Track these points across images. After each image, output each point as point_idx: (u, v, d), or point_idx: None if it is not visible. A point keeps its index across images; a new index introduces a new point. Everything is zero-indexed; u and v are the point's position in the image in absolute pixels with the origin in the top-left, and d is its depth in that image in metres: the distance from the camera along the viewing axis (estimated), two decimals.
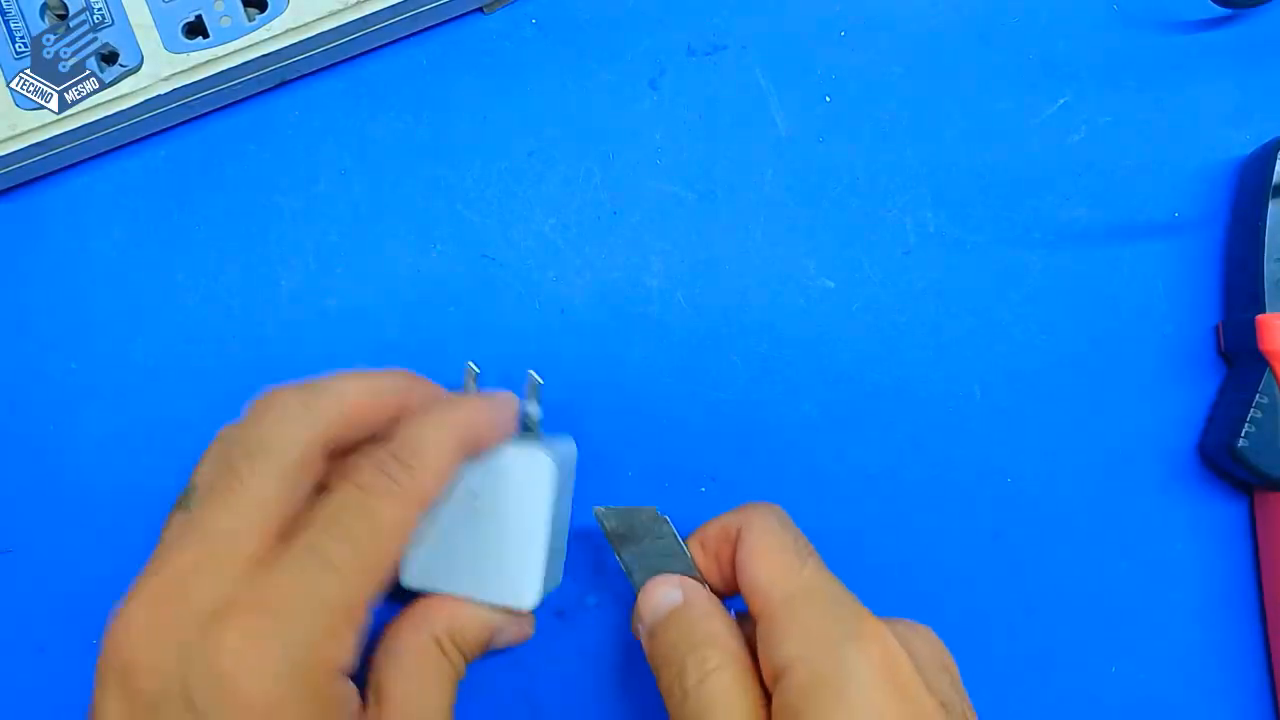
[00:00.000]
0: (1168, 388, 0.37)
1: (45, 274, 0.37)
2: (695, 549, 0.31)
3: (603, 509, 0.31)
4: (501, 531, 0.31)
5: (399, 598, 0.31)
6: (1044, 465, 0.37)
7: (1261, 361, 0.35)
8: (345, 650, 0.26)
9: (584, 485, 0.35)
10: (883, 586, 0.37)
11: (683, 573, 0.31)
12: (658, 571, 0.31)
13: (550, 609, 0.36)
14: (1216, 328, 0.37)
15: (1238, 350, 0.36)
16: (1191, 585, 0.37)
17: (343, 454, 0.29)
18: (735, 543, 0.30)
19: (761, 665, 0.28)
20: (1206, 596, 0.37)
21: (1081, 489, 0.37)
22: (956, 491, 0.37)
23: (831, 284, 0.37)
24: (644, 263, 0.37)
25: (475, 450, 0.30)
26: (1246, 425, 0.34)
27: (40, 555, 0.36)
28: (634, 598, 0.32)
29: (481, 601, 0.31)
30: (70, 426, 0.37)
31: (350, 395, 0.29)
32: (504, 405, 0.31)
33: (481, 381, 0.36)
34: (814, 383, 0.37)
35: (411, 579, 0.31)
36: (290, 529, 0.27)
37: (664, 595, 0.30)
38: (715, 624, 0.29)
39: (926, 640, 0.28)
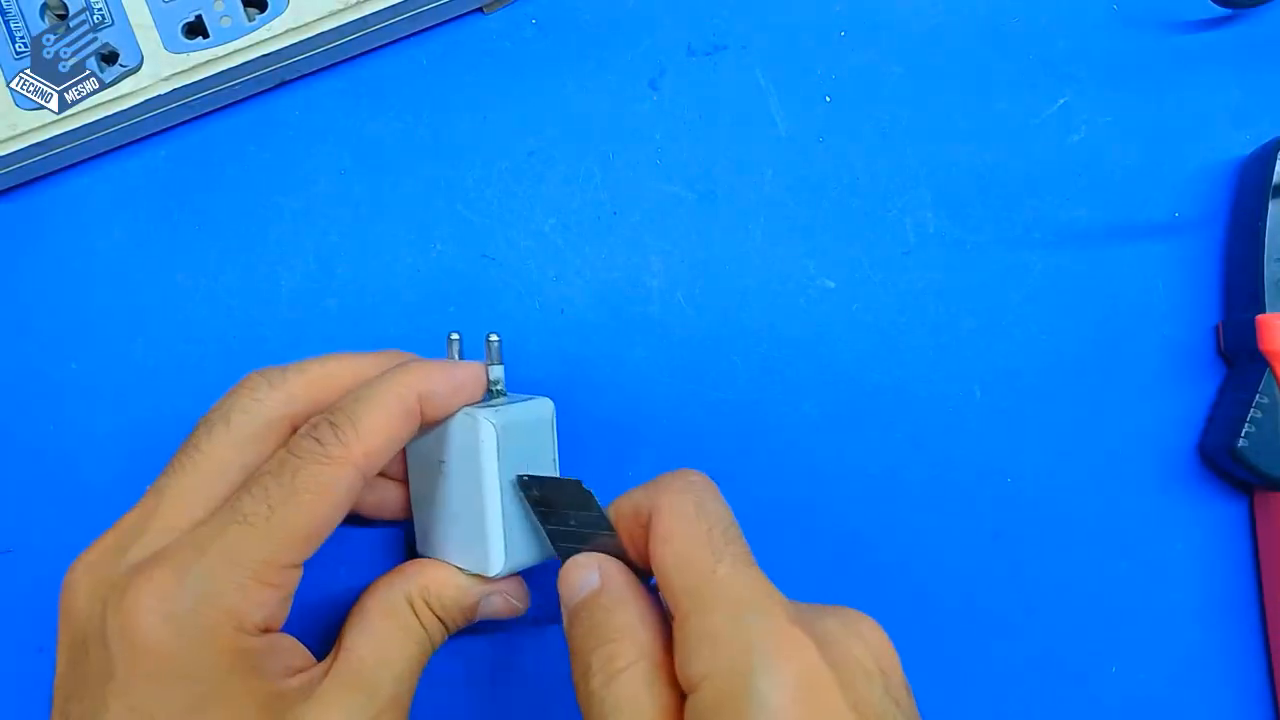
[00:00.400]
0: (1168, 388, 0.37)
1: (45, 274, 0.37)
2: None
3: (526, 477, 0.30)
4: (465, 498, 0.30)
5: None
6: (1044, 465, 0.37)
7: (1261, 361, 0.35)
8: (257, 606, 0.26)
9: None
10: (883, 586, 0.37)
11: (608, 551, 0.29)
12: (580, 548, 0.29)
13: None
14: (1216, 328, 0.37)
15: (1238, 350, 0.36)
16: (1191, 585, 0.37)
17: None
18: (647, 527, 0.27)
19: (678, 674, 0.25)
20: (1206, 596, 0.37)
21: (1081, 489, 0.37)
22: (956, 491, 0.37)
23: (831, 284, 0.37)
24: (644, 263, 0.37)
25: (430, 415, 0.29)
26: (1246, 425, 0.34)
27: (40, 555, 0.36)
28: None
29: (461, 568, 0.31)
30: (70, 426, 0.37)
31: (317, 371, 0.29)
32: (464, 369, 0.30)
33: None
34: (814, 383, 0.37)
35: (419, 546, 0.32)
36: None
37: (580, 579, 0.28)
38: (628, 615, 0.27)
39: (862, 639, 0.25)
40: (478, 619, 0.32)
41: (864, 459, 0.37)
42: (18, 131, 0.34)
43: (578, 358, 0.37)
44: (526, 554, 0.31)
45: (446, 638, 0.31)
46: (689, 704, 0.24)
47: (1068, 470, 0.37)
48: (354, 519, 0.33)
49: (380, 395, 0.28)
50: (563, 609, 0.29)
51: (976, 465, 0.37)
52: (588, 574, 0.28)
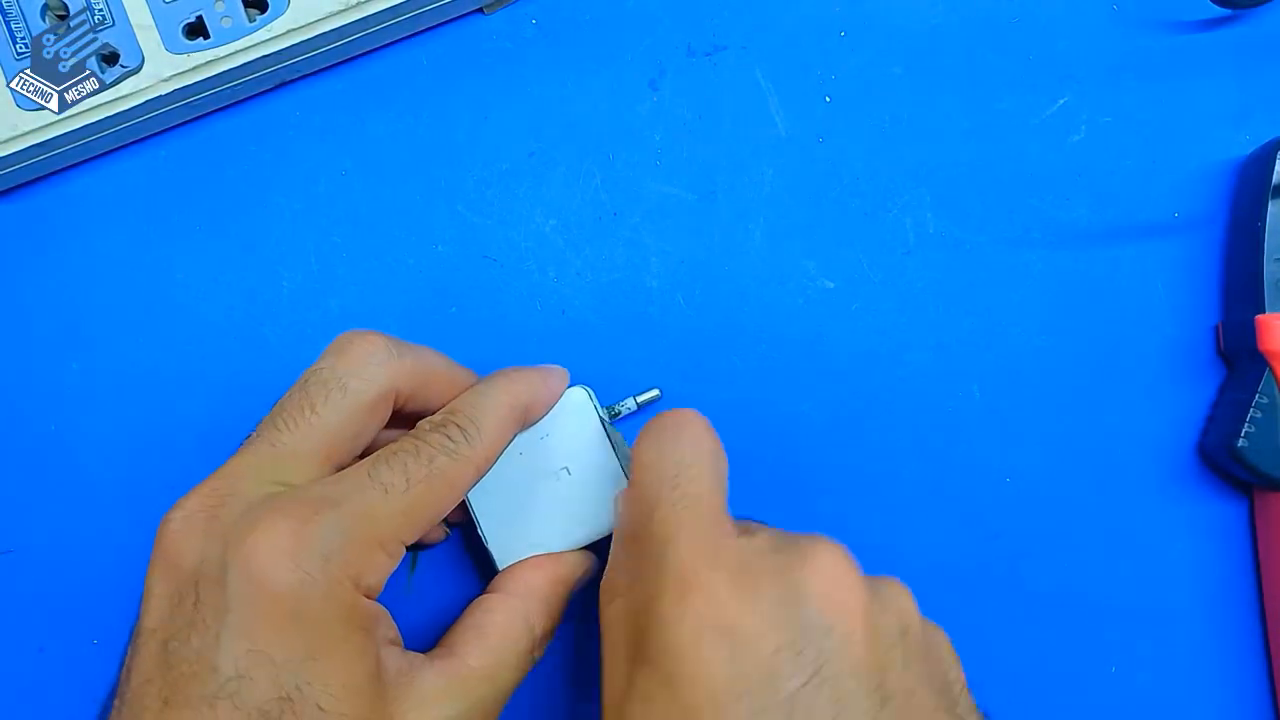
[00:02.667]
0: (1168, 388, 0.37)
1: (45, 274, 0.37)
2: None
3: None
4: (575, 469, 0.33)
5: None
6: (1043, 465, 0.37)
7: (1261, 361, 0.35)
8: (375, 571, 0.27)
9: None
10: None
11: None
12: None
13: None
14: (1216, 328, 0.37)
15: (1237, 350, 0.36)
16: (1191, 585, 0.37)
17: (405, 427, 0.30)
18: None
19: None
20: (1206, 596, 0.37)
21: (1081, 489, 0.37)
22: (956, 491, 0.37)
23: (831, 284, 0.37)
24: (644, 263, 0.37)
25: (529, 421, 0.32)
26: (1246, 425, 0.34)
27: (40, 555, 0.36)
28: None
29: (578, 545, 0.33)
30: (70, 426, 0.37)
31: (423, 357, 0.30)
32: (555, 377, 0.33)
33: None
34: (814, 383, 0.37)
35: (504, 559, 0.33)
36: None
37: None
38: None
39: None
40: None
41: (864, 459, 0.37)
42: (18, 132, 0.34)
43: (578, 358, 0.37)
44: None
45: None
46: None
47: (1067, 470, 0.37)
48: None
49: (497, 403, 0.30)
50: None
51: (976, 465, 0.37)
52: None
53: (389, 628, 0.28)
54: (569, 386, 0.34)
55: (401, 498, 0.27)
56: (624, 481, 0.33)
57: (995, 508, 0.37)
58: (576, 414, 0.33)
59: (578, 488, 0.33)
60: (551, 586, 0.32)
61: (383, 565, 0.27)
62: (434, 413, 0.30)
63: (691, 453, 0.28)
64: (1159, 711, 0.36)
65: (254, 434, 0.28)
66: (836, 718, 0.23)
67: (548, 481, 0.33)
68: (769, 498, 0.36)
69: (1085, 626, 0.37)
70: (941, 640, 0.28)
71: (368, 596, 0.27)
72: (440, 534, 0.35)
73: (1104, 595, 0.37)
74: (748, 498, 0.34)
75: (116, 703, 0.26)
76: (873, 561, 0.37)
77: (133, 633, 0.26)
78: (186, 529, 0.26)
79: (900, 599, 0.27)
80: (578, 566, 0.33)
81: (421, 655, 0.29)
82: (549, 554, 0.33)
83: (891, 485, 0.37)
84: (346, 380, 0.28)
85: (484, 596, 0.32)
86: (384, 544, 0.27)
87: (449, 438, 0.28)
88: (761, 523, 0.29)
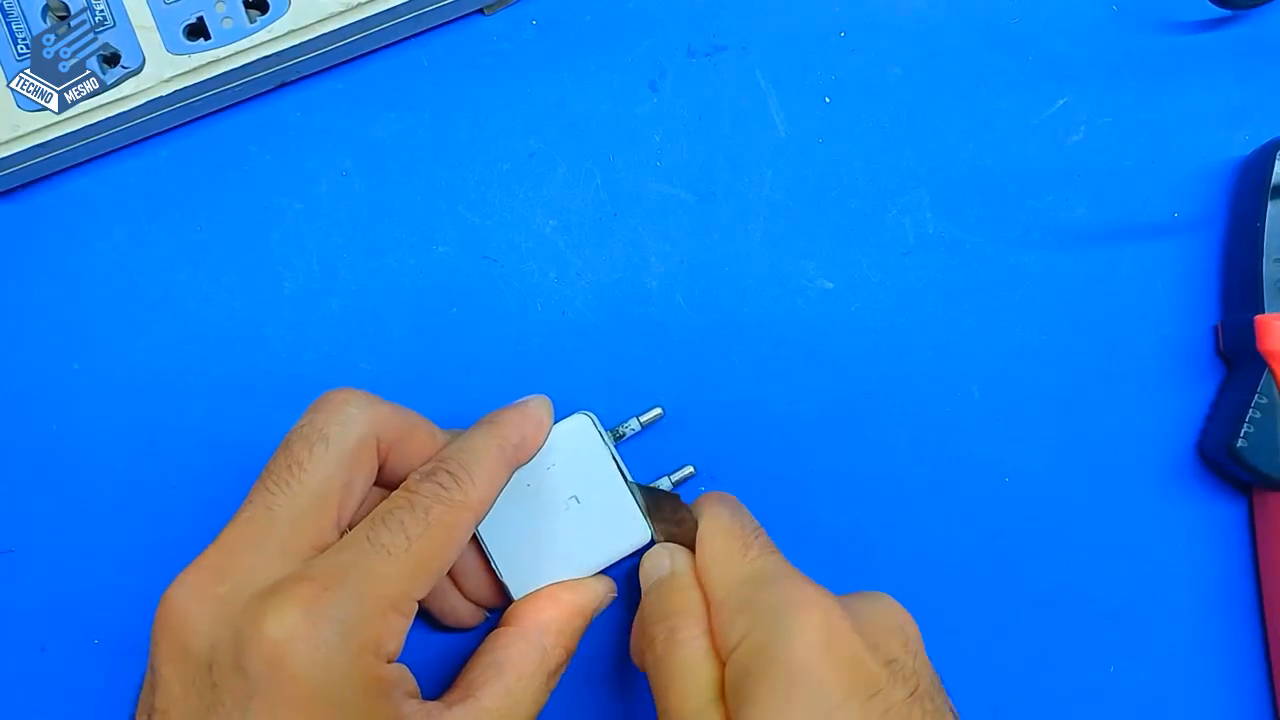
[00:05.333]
0: (1167, 388, 0.37)
1: (45, 274, 0.37)
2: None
3: (635, 486, 0.34)
4: (584, 495, 0.33)
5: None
6: (1043, 465, 0.37)
7: (1260, 361, 0.35)
8: (393, 635, 0.27)
9: None
10: (882, 586, 0.36)
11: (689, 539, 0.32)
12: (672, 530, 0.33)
13: None
14: (1215, 328, 0.37)
15: (1237, 350, 0.36)
16: (1191, 585, 0.37)
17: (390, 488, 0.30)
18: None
19: (718, 648, 0.29)
20: (1206, 596, 0.37)
21: (1081, 489, 0.37)
22: (956, 491, 0.37)
23: (831, 284, 0.37)
24: (644, 263, 0.37)
25: (523, 460, 0.32)
26: (1245, 425, 0.34)
27: (40, 555, 0.37)
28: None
29: (593, 571, 0.33)
30: (70, 426, 0.37)
31: (411, 413, 0.31)
32: (535, 412, 0.32)
33: (482, 386, 0.36)
34: (814, 383, 0.37)
35: (519, 590, 0.33)
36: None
37: (656, 565, 0.32)
38: (692, 596, 0.30)
39: (882, 604, 0.29)
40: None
41: (863, 459, 0.37)
42: (18, 132, 0.34)
43: (578, 358, 0.37)
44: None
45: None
46: (728, 668, 0.27)
47: (1067, 470, 0.37)
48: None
49: (485, 446, 0.30)
50: (642, 586, 0.32)
51: (975, 465, 0.37)
52: (661, 561, 0.32)
53: (408, 681, 0.28)
54: (576, 412, 0.34)
55: (405, 556, 0.27)
56: (633, 505, 0.33)
57: (994, 508, 0.37)
58: (581, 441, 0.34)
59: (588, 514, 0.33)
60: (568, 617, 0.32)
61: (398, 627, 0.27)
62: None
63: (752, 519, 0.32)
64: (1159, 711, 0.37)
65: (247, 500, 0.28)
66: None
67: (558, 510, 0.33)
68: (769, 498, 0.36)
69: (1085, 626, 0.37)
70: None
71: (388, 660, 0.27)
72: (478, 618, 0.35)
73: (1103, 595, 0.37)
74: (747, 498, 0.34)
75: None
76: (873, 561, 0.37)
77: (137, 711, 0.27)
78: (192, 610, 0.26)
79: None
80: (594, 593, 0.33)
81: (439, 704, 0.29)
82: (563, 583, 0.33)
83: (891, 485, 0.37)
84: (327, 430, 0.28)
85: (499, 631, 0.32)
86: (396, 605, 0.27)
87: (441, 485, 0.28)
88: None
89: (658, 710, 0.29)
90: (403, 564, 0.27)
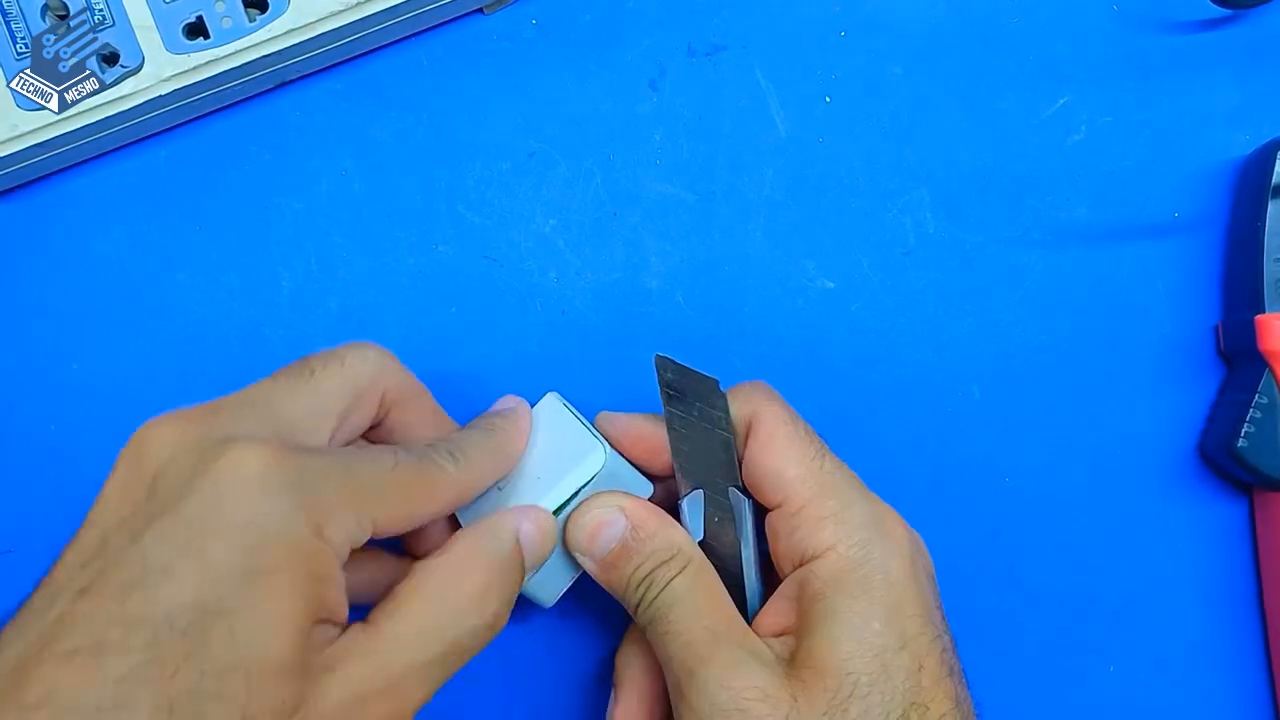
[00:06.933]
0: (1167, 388, 0.37)
1: (45, 274, 0.37)
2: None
3: (663, 356, 0.31)
4: (545, 450, 0.32)
5: None
6: (1043, 465, 0.37)
7: (1261, 361, 0.35)
8: (340, 528, 0.25)
9: None
10: None
11: (721, 461, 0.31)
12: (686, 434, 0.31)
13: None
14: (1216, 328, 0.37)
15: (1237, 350, 0.36)
16: (1191, 585, 0.37)
17: None
18: (747, 433, 0.31)
19: (783, 551, 0.30)
20: (1206, 596, 0.37)
21: (1081, 489, 0.37)
22: (955, 491, 0.37)
23: (831, 284, 0.37)
24: (644, 263, 0.37)
25: (506, 469, 0.32)
26: (1246, 425, 0.34)
27: (40, 555, 0.36)
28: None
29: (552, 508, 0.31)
30: (70, 426, 0.37)
31: (419, 381, 0.31)
32: (526, 424, 0.32)
33: (482, 386, 0.36)
34: (814, 383, 0.37)
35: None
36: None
37: (611, 521, 0.31)
38: (670, 534, 0.31)
39: (924, 549, 0.31)
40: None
41: (863, 459, 0.37)
42: (18, 132, 0.34)
43: (578, 358, 0.37)
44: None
45: None
46: (807, 571, 0.29)
47: (1067, 470, 0.37)
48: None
49: (484, 440, 0.31)
50: (592, 550, 0.31)
51: (975, 465, 0.37)
52: (614, 518, 0.31)
53: (338, 591, 0.26)
54: (544, 395, 0.33)
55: (386, 474, 0.27)
56: (597, 447, 0.31)
57: (994, 507, 0.37)
58: (551, 419, 0.32)
59: (548, 462, 0.32)
60: (498, 545, 0.29)
61: (348, 526, 0.26)
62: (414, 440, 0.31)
63: (802, 422, 0.32)
64: (1159, 711, 0.37)
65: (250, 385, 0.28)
66: None
67: (527, 482, 0.32)
68: None
69: (1085, 626, 0.37)
70: None
71: (334, 556, 0.26)
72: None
73: (1104, 595, 0.37)
74: None
75: (35, 590, 0.25)
76: None
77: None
78: (159, 435, 0.26)
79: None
80: (534, 522, 0.30)
81: (358, 622, 0.27)
82: (501, 511, 0.30)
83: (891, 485, 0.37)
84: (345, 358, 0.29)
85: (427, 559, 0.29)
86: (355, 505, 0.26)
87: (436, 453, 0.29)
88: None
89: (668, 661, 0.29)
90: (379, 476, 0.27)
